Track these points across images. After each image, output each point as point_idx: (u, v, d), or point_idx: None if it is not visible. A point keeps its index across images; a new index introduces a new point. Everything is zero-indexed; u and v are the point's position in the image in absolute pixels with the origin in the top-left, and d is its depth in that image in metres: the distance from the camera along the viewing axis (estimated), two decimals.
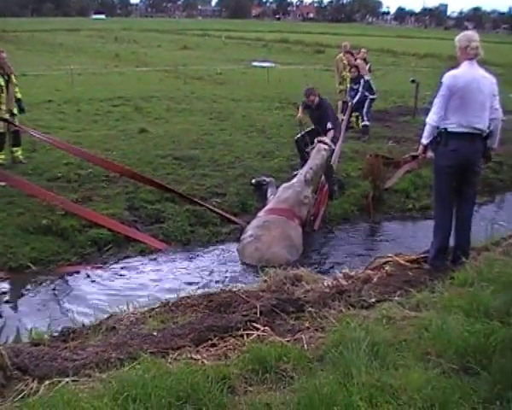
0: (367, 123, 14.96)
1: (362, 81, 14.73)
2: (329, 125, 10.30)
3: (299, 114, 11.26)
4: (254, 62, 32.64)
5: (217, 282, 7.34)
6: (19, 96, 10.88)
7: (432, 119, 6.11)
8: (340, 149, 11.92)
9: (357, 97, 14.70)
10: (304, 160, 10.63)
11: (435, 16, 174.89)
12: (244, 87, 23.21)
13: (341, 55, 16.36)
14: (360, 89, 14.68)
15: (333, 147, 10.26)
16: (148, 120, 16.14)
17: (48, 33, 55.58)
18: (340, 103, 16.08)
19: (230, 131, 14.85)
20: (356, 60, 15.58)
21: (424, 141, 6.35)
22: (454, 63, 6.35)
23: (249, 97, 20.40)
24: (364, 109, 14.86)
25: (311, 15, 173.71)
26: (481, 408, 3.33)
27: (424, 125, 6.30)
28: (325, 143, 10.01)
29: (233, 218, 9.61)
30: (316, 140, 10.15)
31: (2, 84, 10.47)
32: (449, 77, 6.07)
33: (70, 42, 45.07)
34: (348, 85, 15.35)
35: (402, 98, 21.32)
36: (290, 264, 7.34)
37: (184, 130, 14.62)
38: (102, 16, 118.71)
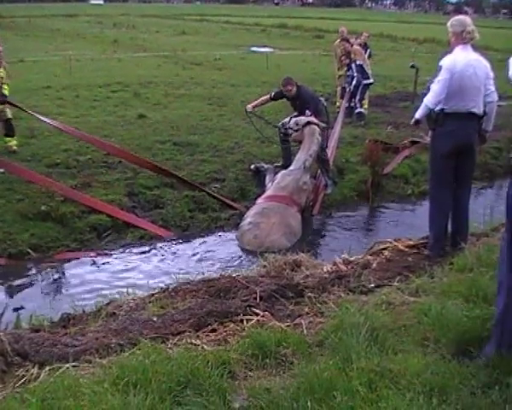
0: (361, 110, 14.94)
1: (353, 66, 14.72)
2: (308, 113, 10.09)
3: (249, 105, 10.89)
4: (253, 48, 32.48)
5: (216, 267, 7.35)
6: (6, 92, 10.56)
7: (430, 101, 6.06)
8: (339, 135, 11.91)
9: (353, 82, 14.71)
10: (285, 146, 10.63)
11: (435, 1, 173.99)
12: (243, 72, 23.13)
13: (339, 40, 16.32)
14: (354, 74, 14.67)
15: (322, 125, 10.09)
16: (147, 105, 16.08)
17: (45, 19, 55.26)
18: (339, 89, 16.06)
19: (229, 117, 14.81)
20: (352, 46, 15.51)
21: (417, 115, 6.31)
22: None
23: (248, 83, 20.34)
24: (357, 97, 14.84)
25: (310, 0, 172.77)
26: (480, 393, 3.34)
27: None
28: (315, 124, 9.89)
29: (232, 203, 9.60)
30: (302, 120, 9.98)
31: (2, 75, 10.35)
32: (448, 60, 6.05)
33: (68, 27, 44.83)
34: (346, 72, 15.36)
35: (401, 83, 21.25)
36: (289, 249, 7.35)
37: (183, 115, 14.58)
38: (100, 1, 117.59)
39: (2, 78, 10.24)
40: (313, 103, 10.31)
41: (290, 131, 10.01)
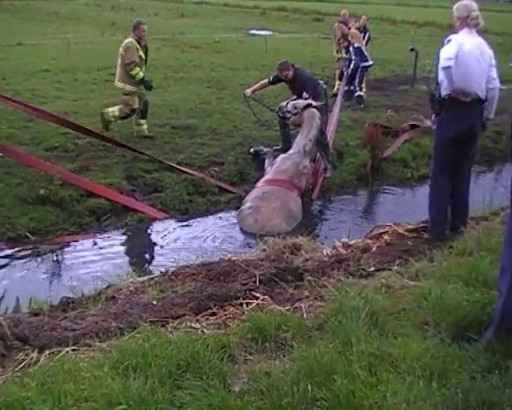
0: (361, 93, 14.89)
1: (351, 49, 14.66)
2: (305, 95, 10.06)
3: (248, 90, 10.99)
4: (252, 31, 32.34)
5: (216, 251, 7.34)
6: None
7: (444, 63, 5.85)
8: (338, 118, 11.88)
9: (351, 66, 14.66)
10: (283, 129, 10.61)
11: None
12: (242, 56, 23.04)
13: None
14: (352, 57, 14.62)
15: (320, 104, 10.03)
16: None
17: (43, 1, 54.70)
18: (337, 72, 16.03)
19: (228, 100, 14.77)
20: (350, 29, 15.44)
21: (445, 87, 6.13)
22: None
23: (247, 66, 20.27)
24: (356, 80, 14.79)
25: None
26: (480, 377, 3.34)
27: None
28: (314, 107, 9.84)
29: (225, 185, 9.62)
30: (300, 104, 9.95)
31: None
32: (457, 38, 5.99)
33: (66, 10, 44.45)
34: (344, 55, 15.31)
35: (401, 67, 21.18)
36: (289, 233, 7.34)
37: (182, 99, 14.53)
38: None
39: None
40: (311, 86, 10.27)
41: (288, 115, 9.97)
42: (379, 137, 10.81)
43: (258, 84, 11.04)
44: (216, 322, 4.37)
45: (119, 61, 10.70)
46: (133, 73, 10.48)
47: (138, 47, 10.61)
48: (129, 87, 10.61)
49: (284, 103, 10.14)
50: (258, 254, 5.97)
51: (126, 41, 10.64)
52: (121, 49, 10.61)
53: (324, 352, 3.51)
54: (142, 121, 11.05)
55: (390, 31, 36.73)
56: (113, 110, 10.80)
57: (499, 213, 6.98)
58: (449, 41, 5.99)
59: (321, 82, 11.26)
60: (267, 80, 10.85)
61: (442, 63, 5.89)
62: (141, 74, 10.56)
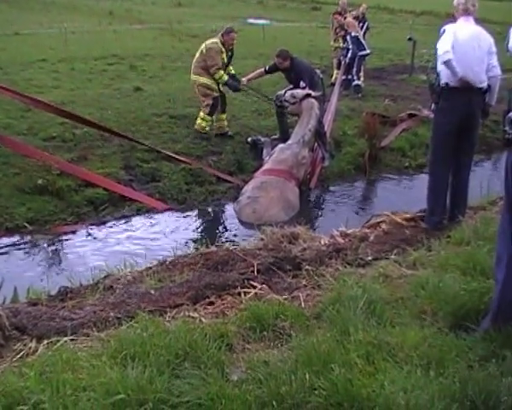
0: (358, 82, 14.87)
1: (348, 38, 14.62)
2: (302, 84, 9.97)
3: (244, 79, 10.87)
4: (249, 19, 32.22)
5: (213, 240, 7.35)
6: None
7: (441, 57, 5.89)
8: (336, 108, 11.86)
9: (349, 55, 14.64)
10: (281, 119, 10.58)
11: None
12: (239, 44, 22.92)
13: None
14: (350, 46, 14.59)
15: (318, 94, 10.01)
16: (143, 78, 15.99)
17: None
18: (335, 61, 16.01)
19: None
20: (345, 18, 15.38)
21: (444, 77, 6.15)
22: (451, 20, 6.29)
23: (244, 55, 20.14)
24: (354, 69, 14.76)
25: None
26: (477, 366, 3.36)
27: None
28: (313, 97, 9.81)
29: (223, 175, 9.62)
30: (299, 93, 9.94)
31: None
32: (452, 27, 6.01)
33: None
34: (342, 45, 15.28)
35: (399, 56, 21.15)
36: (287, 222, 7.35)
37: (180, 88, 14.45)
38: None
39: None
40: (308, 75, 10.22)
41: (286, 104, 9.95)
42: (377, 127, 10.80)
43: (254, 73, 11.00)
44: (214, 311, 4.38)
45: (198, 55, 10.42)
46: (217, 76, 10.23)
47: (223, 50, 10.33)
48: (203, 79, 10.36)
49: (282, 92, 10.11)
50: (256, 244, 5.97)
51: (212, 41, 10.34)
52: (203, 47, 10.32)
53: (322, 341, 3.52)
54: (223, 116, 10.81)
55: (388, 20, 36.67)
56: (200, 117, 10.54)
57: (497, 202, 6.98)
58: (443, 32, 5.99)
59: (318, 71, 11.22)
60: (263, 69, 10.81)
61: (441, 58, 5.90)
62: (225, 77, 10.29)
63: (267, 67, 10.71)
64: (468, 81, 5.96)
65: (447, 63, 5.85)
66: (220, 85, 10.50)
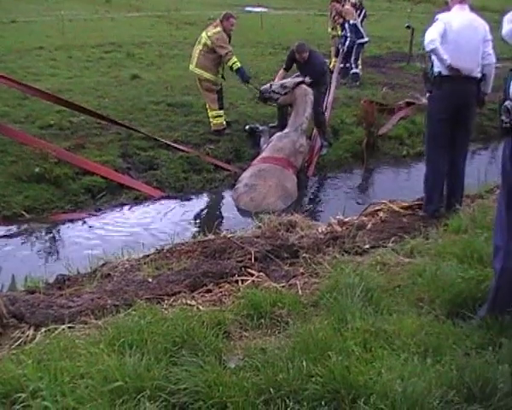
0: (356, 70, 14.82)
1: (346, 26, 14.57)
2: (307, 80, 9.91)
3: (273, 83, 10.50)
4: (247, 7, 32.12)
5: (211, 228, 7.35)
6: None
7: (426, 45, 5.92)
8: (334, 96, 11.84)
9: (347, 43, 14.58)
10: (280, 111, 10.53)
11: None
12: (237, 32, 22.85)
13: None
14: (348, 34, 14.53)
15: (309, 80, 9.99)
16: (141, 66, 15.93)
17: None
18: (332, 49, 15.95)
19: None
20: (343, 6, 15.31)
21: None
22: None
23: (242, 43, 20.10)
24: (352, 57, 14.71)
25: None
26: (474, 353, 3.36)
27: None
28: (305, 84, 9.79)
29: (221, 163, 9.60)
30: (289, 82, 9.91)
31: None
32: (445, 16, 6.00)
33: None
34: (340, 33, 15.21)
35: (397, 44, 21.10)
36: (284, 210, 7.35)
37: (177, 76, 14.42)
38: None
39: None
40: (320, 69, 10.16)
41: (276, 96, 9.92)
42: (375, 115, 10.80)
43: (277, 78, 10.64)
44: (211, 299, 4.39)
45: (200, 47, 10.25)
46: (230, 62, 10.02)
47: (226, 37, 10.16)
48: (207, 75, 10.20)
49: (267, 86, 10.07)
50: (253, 232, 5.98)
51: (215, 30, 10.10)
52: (205, 38, 10.13)
53: (319, 328, 3.53)
54: (221, 112, 10.53)
55: (386, 8, 36.54)
56: (212, 116, 10.36)
57: (494, 190, 6.98)
58: (436, 20, 5.99)
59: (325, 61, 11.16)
60: (283, 70, 10.63)
61: (427, 46, 5.92)
62: (238, 64, 10.11)
63: (284, 66, 10.59)
64: (460, 69, 5.94)
65: (433, 51, 5.87)
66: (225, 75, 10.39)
